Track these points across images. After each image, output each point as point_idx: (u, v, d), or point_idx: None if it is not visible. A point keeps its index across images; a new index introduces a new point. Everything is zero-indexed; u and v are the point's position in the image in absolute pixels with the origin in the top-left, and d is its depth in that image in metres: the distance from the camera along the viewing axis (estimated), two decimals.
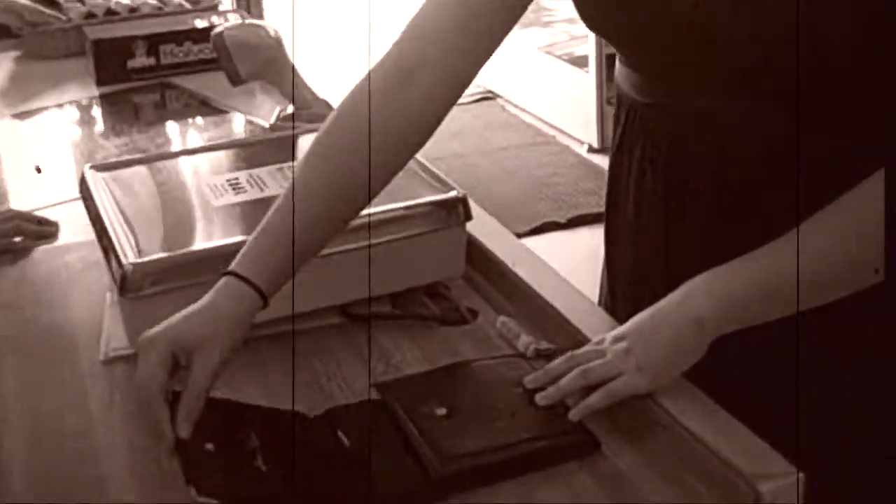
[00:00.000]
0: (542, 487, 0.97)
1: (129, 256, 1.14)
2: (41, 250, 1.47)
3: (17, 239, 1.47)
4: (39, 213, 1.55)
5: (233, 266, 1.02)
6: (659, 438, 1.00)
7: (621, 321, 1.10)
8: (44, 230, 1.51)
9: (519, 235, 3.64)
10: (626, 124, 1.15)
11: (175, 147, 1.85)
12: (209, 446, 0.97)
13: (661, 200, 1.11)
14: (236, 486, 0.93)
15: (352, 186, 1.08)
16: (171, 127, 2.03)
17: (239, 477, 0.94)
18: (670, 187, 1.10)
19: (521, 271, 1.26)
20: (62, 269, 1.42)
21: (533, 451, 1.00)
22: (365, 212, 1.22)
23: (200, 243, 1.16)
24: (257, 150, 1.42)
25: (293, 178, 1.07)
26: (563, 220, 3.77)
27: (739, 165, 1.04)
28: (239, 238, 1.16)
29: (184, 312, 1.00)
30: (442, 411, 1.04)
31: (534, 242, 3.65)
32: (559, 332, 1.17)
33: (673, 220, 1.11)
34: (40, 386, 1.15)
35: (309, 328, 1.23)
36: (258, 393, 1.12)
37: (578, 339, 1.13)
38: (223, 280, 1.02)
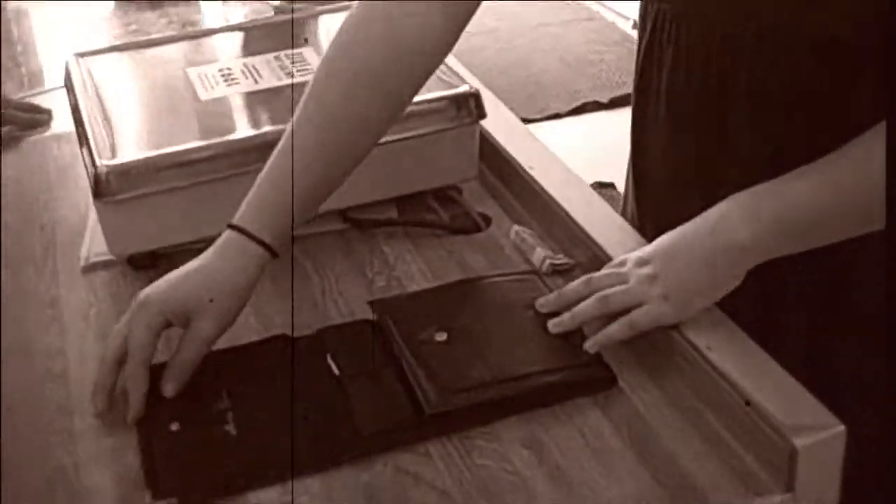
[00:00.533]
0: (549, 426, 0.85)
1: (103, 157, 1.01)
2: (31, 141, 1.36)
3: (6, 128, 1.35)
4: (32, 100, 1.43)
5: (237, 219, 0.90)
6: (683, 376, 0.88)
7: (648, 238, 0.97)
8: (36, 118, 1.39)
9: (558, 116, 3.51)
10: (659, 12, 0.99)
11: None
12: (174, 427, 0.87)
13: (694, 97, 0.96)
14: (196, 480, 0.83)
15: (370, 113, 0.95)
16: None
17: (202, 461, 0.84)
18: (706, 86, 0.95)
19: (540, 175, 1.12)
20: (51, 162, 1.31)
21: (540, 386, 0.88)
22: None
23: (183, 143, 1.03)
24: (255, 36, 1.28)
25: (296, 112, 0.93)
26: (604, 100, 3.58)
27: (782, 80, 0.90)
28: (228, 137, 1.04)
29: (183, 270, 0.89)
30: (442, 336, 0.92)
31: (574, 123, 3.49)
32: (578, 247, 1.04)
33: (707, 124, 0.96)
34: (12, 296, 1.04)
35: (306, 234, 1.11)
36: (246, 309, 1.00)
37: (599, 256, 1.00)
38: (226, 236, 0.90)
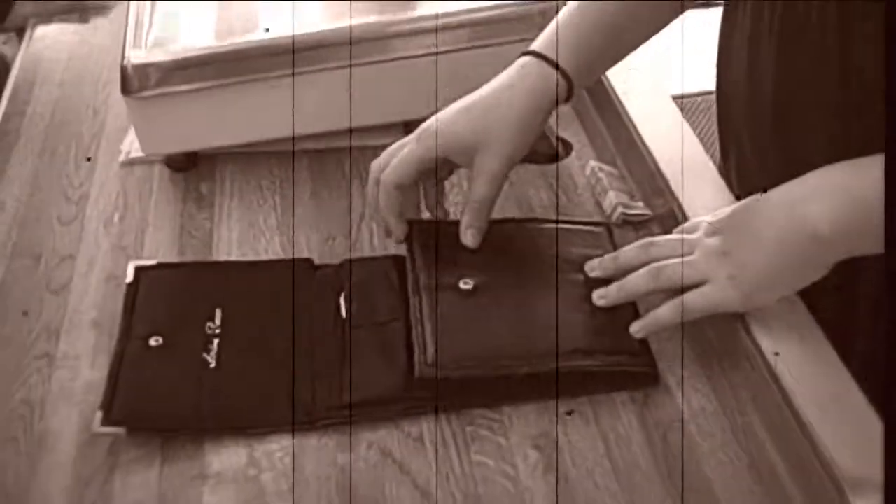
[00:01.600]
0: (569, 423, 0.70)
1: (134, 51, 0.89)
2: (102, 19, 1.24)
3: None
4: None
5: (535, 46, 0.79)
6: (742, 383, 0.70)
7: (737, 195, 0.78)
8: None
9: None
10: None
11: None
12: (153, 341, 0.75)
13: (776, 39, 0.75)
14: (152, 412, 0.72)
15: None
16: None
17: (166, 392, 0.73)
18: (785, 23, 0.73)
19: (634, 105, 0.93)
20: (113, 44, 1.19)
21: (568, 370, 0.72)
22: (434, 10, 0.92)
23: (215, 42, 0.89)
24: None
25: None
26: None
27: None
28: (253, 38, 0.89)
29: (462, 103, 0.78)
30: (468, 284, 0.77)
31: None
32: (659, 197, 0.86)
33: (786, 73, 0.75)
34: (42, 185, 0.95)
35: (362, 146, 0.96)
36: (274, 223, 0.88)
37: (677, 212, 0.82)
38: (521, 62, 0.78)
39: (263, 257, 0.85)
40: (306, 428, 0.70)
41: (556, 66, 0.77)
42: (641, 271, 0.73)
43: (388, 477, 0.67)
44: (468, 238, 0.78)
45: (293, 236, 0.87)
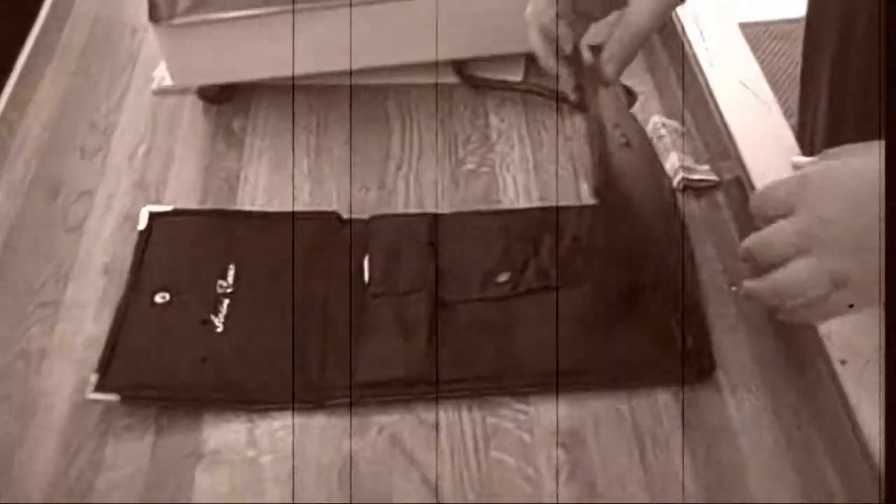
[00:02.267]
0: (603, 419, 0.62)
1: None
2: None
3: None
4: None
5: None
6: (801, 394, 0.61)
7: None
8: None
9: None
10: None
11: None
12: (160, 297, 0.69)
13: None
14: (150, 381, 0.65)
15: None
16: None
17: (168, 359, 0.66)
18: None
19: (712, 53, 0.82)
20: None
21: (606, 361, 0.63)
22: None
23: None
24: None
25: None
26: None
27: None
28: None
29: None
30: (503, 277, 0.69)
31: None
32: (728, 161, 0.75)
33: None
34: (68, 111, 0.88)
35: (406, 84, 0.87)
36: (305, 168, 0.80)
37: (743, 180, 0.71)
38: None
39: (289, 207, 0.77)
40: (312, 407, 0.63)
41: None
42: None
43: (395, 468, 0.60)
44: (609, 69, 0.64)
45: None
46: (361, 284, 0.69)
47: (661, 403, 0.62)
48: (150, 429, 0.63)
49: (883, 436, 0.52)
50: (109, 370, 0.64)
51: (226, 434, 0.63)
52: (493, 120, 0.84)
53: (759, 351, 0.63)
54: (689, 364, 0.62)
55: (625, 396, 0.63)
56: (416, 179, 0.79)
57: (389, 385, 0.63)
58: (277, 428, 0.63)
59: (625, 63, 0.64)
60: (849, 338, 0.58)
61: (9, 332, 0.69)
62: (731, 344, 0.64)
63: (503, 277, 0.68)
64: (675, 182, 0.75)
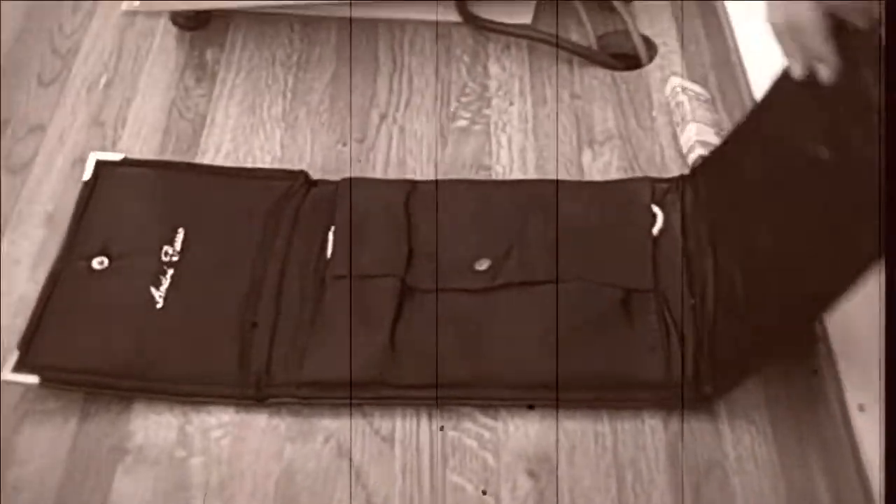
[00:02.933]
0: (578, 443, 0.53)
1: None
2: None
3: None
4: None
5: None
6: (809, 435, 0.52)
7: None
8: None
9: None
10: None
11: None
12: (97, 263, 0.60)
13: None
14: (74, 363, 0.56)
15: None
16: None
17: (97, 339, 0.57)
18: None
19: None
20: None
21: (585, 375, 0.54)
22: None
23: None
24: None
25: None
26: None
27: None
28: None
29: None
30: (483, 265, 0.59)
31: None
32: None
33: None
34: (33, 33, 0.78)
35: (403, 19, 0.77)
36: (279, 112, 0.70)
37: None
38: None
39: (256, 157, 0.68)
40: (252, 405, 0.55)
41: None
42: None
43: (339, 486, 0.52)
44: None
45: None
46: (323, 262, 0.60)
47: (649, 429, 0.53)
48: (75, 415, 0.55)
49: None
50: (32, 347, 0.56)
51: (155, 429, 0.55)
52: (494, 69, 0.74)
53: (769, 381, 0.54)
54: (687, 386, 0.53)
55: (607, 418, 0.54)
56: (401, 133, 0.69)
57: (341, 386, 0.54)
58: (213, 426, 0.55)
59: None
60: (871, 381, 0.49)
61: None
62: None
63: (482, 265, 0.59)
64: (689, 160, 0.65)
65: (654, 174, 0.64)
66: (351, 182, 0.64)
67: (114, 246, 0.61)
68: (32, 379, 0.55)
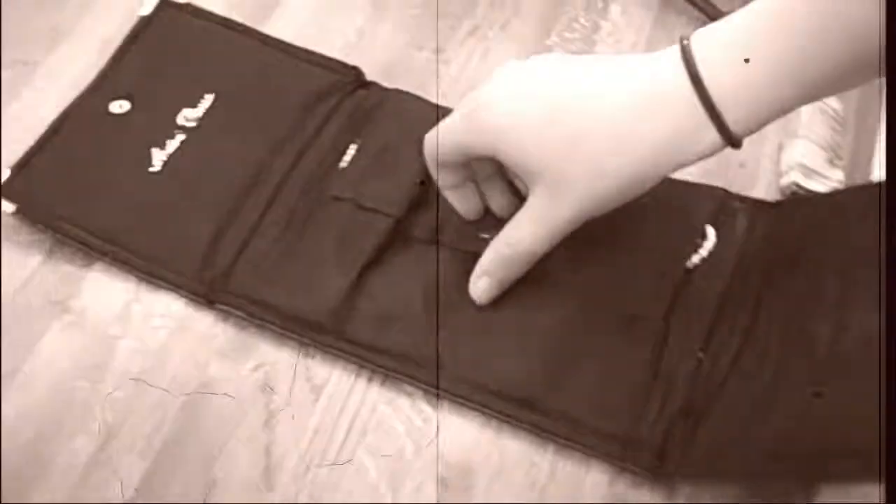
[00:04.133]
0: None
1: None
2: None
3: None
4: None
5: (699, 60, 0.41)
6: None
7: None
8: None
9: None
10: None
11: None
12: (118, 107, 0.56)
13: None
14: (56, 201, 0.52)
15: None
16: None
17: (86, 182, 0.53)
18: None
19: None
20: None
21: (554, 412, 0.46)
22: None
23: None
24: None
25: None
26: None
27: None
28: None
29: (549, 89, 0.43)
30: (486, 235, 0.50)
31: None
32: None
33: None
34: None
35: None
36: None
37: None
38: (667, 70, 0.41)
39: (326, 39, 0.60)
40: (201, 302, 0.50)
41: (712, 113, 0.41)
42: None
43: (247, 421, 0.47)
44: (477, 289, 0.48)
45: None
46: (331, 177, 0.53)
47: (590, 482, 0.45)
48: (34, 259, 0.52)
49: (883, 435, 0.34)
50: (21, 175, 0.53)
51: (102, 296, 0.51)
52: (615, 9, 0.62)
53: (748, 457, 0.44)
54: (648, 451, 0.44)
55: (552, 451, 0.46)
56: (484, 56, 0.60)
57: (290, 318, 0.48)
58: (156, 313, 0.50)
59: (500, 286, 0.48)
60: None
61: None
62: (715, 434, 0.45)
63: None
64: (781, 183, 0.53)
65: (735, 186, 0.53)
66: (401, 96, 0.56)
67: (140, 93, 0.56)
68: (9, 207, 0.52)
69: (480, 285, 0.48)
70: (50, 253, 0.52)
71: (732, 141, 0.41)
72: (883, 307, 0.37)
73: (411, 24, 0.61)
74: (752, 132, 0.41)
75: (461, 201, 0.50)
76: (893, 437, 0.33)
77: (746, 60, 0.39)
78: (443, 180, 0.49)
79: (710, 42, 0.41)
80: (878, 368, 0.35)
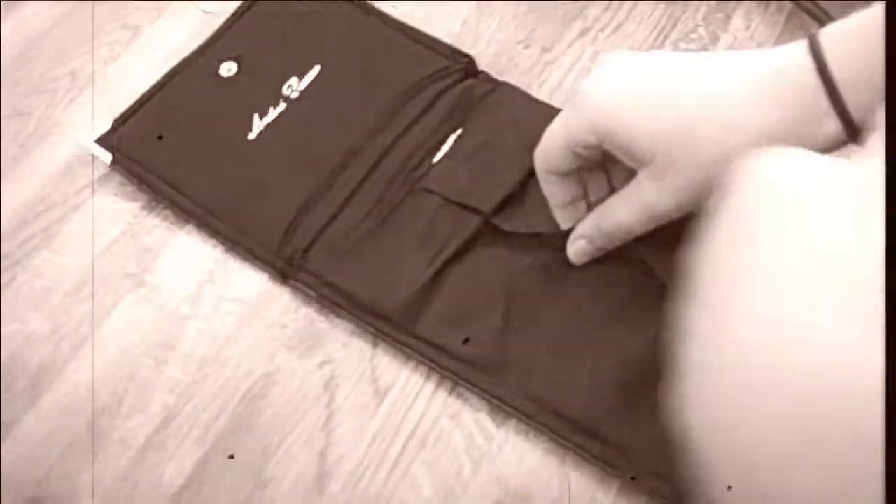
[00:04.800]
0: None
1: None
2: None
3: None
4: None
5: (827, 46, 0.38)
6: None
7: None
8: None
9: None
10: None
11: None
12: (227, 70, 0.55)
13: None
14: (153, 158, 0.52)
15: None
16: None
17: (184, 143, 0.52)
18: None
19: None
20: None
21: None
22: None
23: None
24: None
25: None
26: None
27: None
28: None
29: (668, 76, 0.41)
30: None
31: None
32: None
33: None
34: None
35: None
36: None
37: None
38: (792, 60, 0.39)
39: (431, 24, 0.58)
40: (277, 279, 0.48)
41: (834, 99, 0.38)
42: None
43: (307, 420, 0.45)
44: (574, 248, 0.46)
45: None
46: (426, 165, 0.51)
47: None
48: (125, 214, 0.51)
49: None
50: (123, 128, 0.52)
51: (178, 273, 0.49)
52: (737, 22, 0.58)
53: None
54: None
55: (616, 489, 0.43)
56: (594, 58, 0.57)
57: (360, 307, 0.46)
58: (228, 298, 0.48)
59: (596, 252, 0.46)
60: None
61: (66, 50, 0.58)
62: None
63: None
64: None
65: None
66: (509, 89, 0.53)
67: (249, 57, 0.55)
68: (106, 156, 0.51)
69: (577, 246, 0.46)
70: (140, 209, 0.51)
71: (853, 128, 0.38)
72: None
73: (516, 20, 0.58)
74: (868, 129, 0.38)
75: (567, 219, 0.47)
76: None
77: (870, 54, 0.36)
78: (552, 195, 0.46)
79: (839, 35, 0.38)
80: None
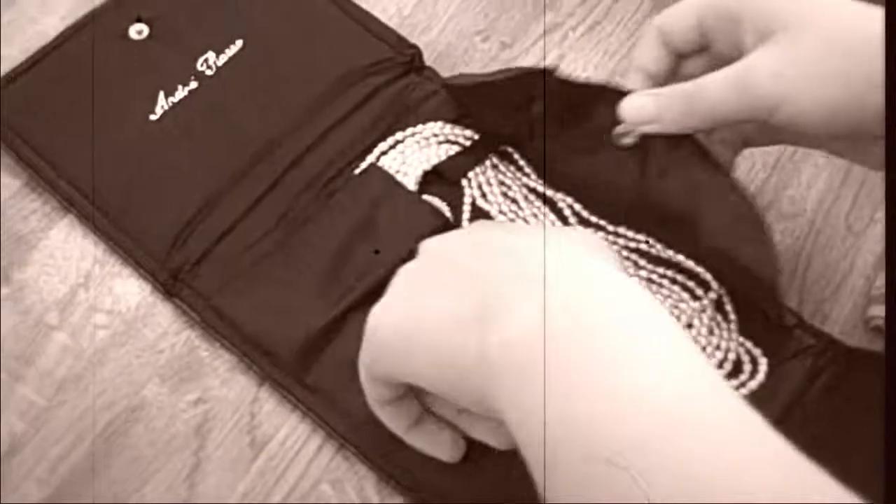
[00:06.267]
0: None
1: None
2: None
3: None
4: None
5: None
6: None
7: None
8: None
9: None
10: None
11: None
12: (136, 32, 0.47)
13: None
14: (25, 121, 0.44)
15: None
16: None
17: (67, 115, 0.44)
18: None
19: None
20: None
21: None
22: None
23: None
24: None
25: None
26: None
27: None
28: None
29: None
30: None
31: None
32: None
33: None
34: None
35: None
36: None
37: None
38: None
39: (383, 6, 0.49)
40: (161, 288, 0.41)
41: None
42: None
43: (173, 463, 0.39)
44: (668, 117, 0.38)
45: None
46: (350, 175, 0.43)
47: None
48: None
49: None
50: (14, 87, 0.45)
51: (58, 268, 0.42)
52: None
53: None
54: None
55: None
56: (559, 61, 0.49)
57: (250, 343, 0.40)
58: (104, 307, 0.42)
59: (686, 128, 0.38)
60: None
61: None
62: None
63: None
64: (867, 315, 0.42)
65: (819, 317, 0.42)
66: (461, 90, 0.45)
67: (164, 21, 0.46)
68: None
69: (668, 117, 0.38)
70: (15, 193, 0.44)
71: None
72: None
73: (475, 10, 0.50)
74: None
75: (636, 83, 0.40)
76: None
77: None
78: (643, 55, 0.39)
79: None
80: None
